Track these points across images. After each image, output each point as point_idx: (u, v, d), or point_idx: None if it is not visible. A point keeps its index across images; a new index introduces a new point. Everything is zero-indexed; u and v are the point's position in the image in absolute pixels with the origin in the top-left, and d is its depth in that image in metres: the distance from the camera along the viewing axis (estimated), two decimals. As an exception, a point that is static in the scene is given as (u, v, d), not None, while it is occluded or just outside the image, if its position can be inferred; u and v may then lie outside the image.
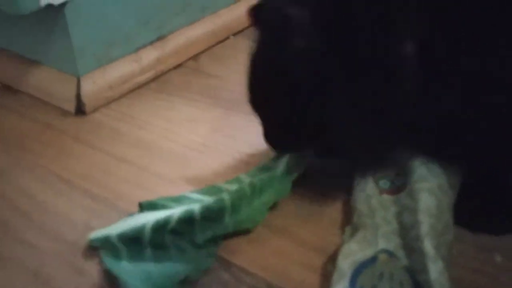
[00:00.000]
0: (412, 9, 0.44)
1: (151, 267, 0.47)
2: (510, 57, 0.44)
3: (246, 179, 0.55)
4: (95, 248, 0.49)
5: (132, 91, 0.77)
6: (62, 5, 0.66)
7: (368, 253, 0.46)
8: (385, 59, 0.45)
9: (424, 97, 0.46)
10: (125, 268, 0.47)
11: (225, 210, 0.51)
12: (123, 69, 0.76)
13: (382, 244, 0.46)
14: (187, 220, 0.49)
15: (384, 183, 0.53)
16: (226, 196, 0.52)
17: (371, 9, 0.44)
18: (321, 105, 0.47)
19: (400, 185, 0.52)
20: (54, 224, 0.53)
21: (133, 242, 0.49)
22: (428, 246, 0.44)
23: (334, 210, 0.54)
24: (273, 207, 0.54)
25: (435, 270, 0.42)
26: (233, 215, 0.51)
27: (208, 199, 0.52)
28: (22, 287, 0.47)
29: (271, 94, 0.51)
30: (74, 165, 0.62)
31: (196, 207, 0.50)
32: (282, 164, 0.56)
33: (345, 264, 0.45)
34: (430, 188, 0.48)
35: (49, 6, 0.64)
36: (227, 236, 0.51)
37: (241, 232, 0.51)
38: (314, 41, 0.44)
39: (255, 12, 0.51)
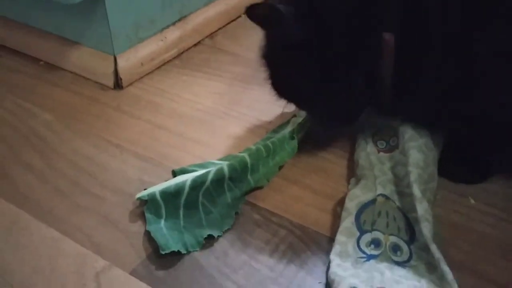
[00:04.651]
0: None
1: (182, 227, 0.57)
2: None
3: (260, 143, 0.66)
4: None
5: (159, 67, 0.87)
6: (103, -7, 0.76)
7: (369, 196, 0.58)
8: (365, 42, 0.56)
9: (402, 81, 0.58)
10: (162, 230, 0.56)
11: (247, 170, 0.62)
12: (151, 47, 0.86)
13: (379, 190, 0.59)
14: (219, 180, 0.60)
15: (381, 144, 0.64)
16: (247, 158, 0.62)
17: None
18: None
19: (394, 145, 0.64)
20: (113, 180, 0.65)
21: (171, 200, 0.58)
22: (416, 190, 0.56)
23: (339, 166, 0.66)
24: (288, 163, 0.65)
25: (421, 208, 0.54)
26: (253, 174, 0.62)
27: (233, 160, 0.62)
28: (98, 227, 0.59)
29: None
30: (120, 132, 0.73)
31: (225, 168, 0.60)
32: (289, 127, 0.68)
33: (351, 205, 0.57)
34: (418, 146, 0.59)
35: (93, -6, 0.74)
36: (250, 189, 0.62)
37: (259, 188, 0.62)
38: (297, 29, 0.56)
39: (252, 9, 0.60)
